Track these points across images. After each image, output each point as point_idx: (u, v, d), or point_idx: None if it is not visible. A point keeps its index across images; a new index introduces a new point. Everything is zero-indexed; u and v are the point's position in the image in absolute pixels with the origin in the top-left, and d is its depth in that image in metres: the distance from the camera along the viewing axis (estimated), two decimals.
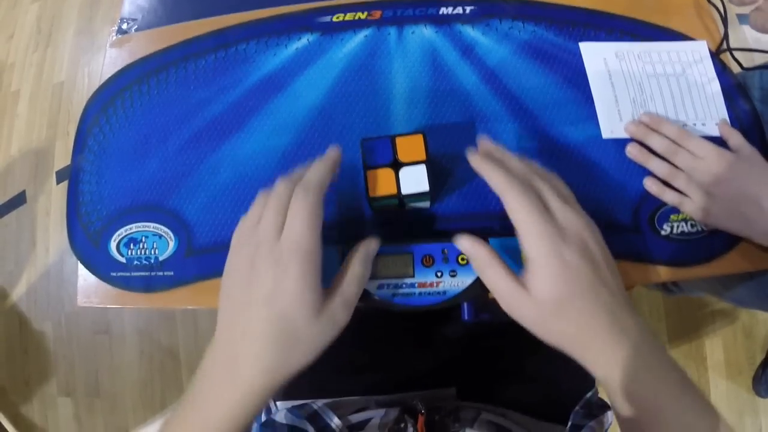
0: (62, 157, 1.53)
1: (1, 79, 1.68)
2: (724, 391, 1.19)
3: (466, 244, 0.38)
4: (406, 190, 0.41)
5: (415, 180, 0.41)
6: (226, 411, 0.32)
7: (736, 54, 0.55)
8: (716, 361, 1.22)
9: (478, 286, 0.42)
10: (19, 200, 1.48)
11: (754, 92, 0.54)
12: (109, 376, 1.33)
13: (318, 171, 0.37)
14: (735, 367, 1.20)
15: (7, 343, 1.37)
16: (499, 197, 0.36)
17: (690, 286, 0.85)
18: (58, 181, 1.49)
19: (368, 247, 0.38)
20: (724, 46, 0.55)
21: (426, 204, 0.48)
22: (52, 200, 1.47)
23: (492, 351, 0.58)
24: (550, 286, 0.33)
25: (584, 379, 0.55)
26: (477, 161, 0.39)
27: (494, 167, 0.37)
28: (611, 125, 0.51)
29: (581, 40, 0.54)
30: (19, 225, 1.46)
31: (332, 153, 0.40)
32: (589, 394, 0.49)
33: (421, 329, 0.59)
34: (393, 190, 0.42)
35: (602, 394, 0.48)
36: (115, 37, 0.61)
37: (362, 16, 0.56)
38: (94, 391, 1.33)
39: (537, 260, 0.33)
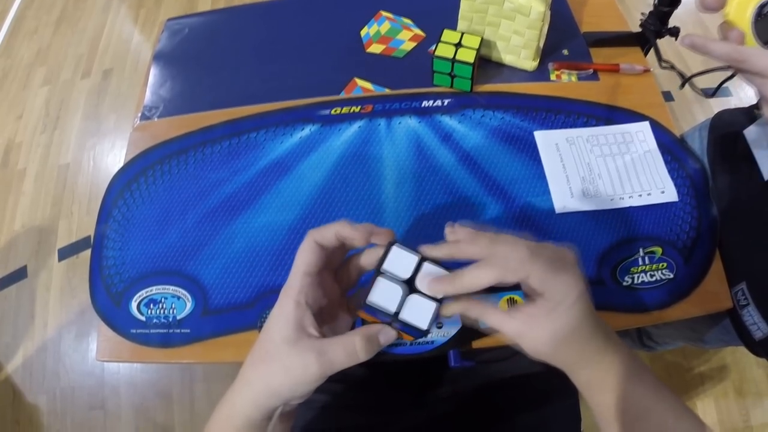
0: (65, 236, 1.54)
1: (9, 157, 1.73)
2: None
3: (457, 308, 0.38)
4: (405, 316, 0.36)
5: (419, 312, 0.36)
6: (225, 412, 0.37)
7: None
8: (710, 422, 1.18)
9: (461, 335, 0.47)
10: (20, 275, 1.49)
11: (694, 147, 0.59)
12: None
13: (335, 225, 0.37)
14: (730, 426, 1.19)
15: None
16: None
17: (664, 337, 0.89)
18: (60, 259, 1.50)
19: (383, 334, 0.36)
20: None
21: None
22: (53, 276, 1.47)
23: (484, 406, 0.60)
24: (567, 317, 0.35)
25: (573, 424, 0.58)
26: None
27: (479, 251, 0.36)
28: (563, 201, 0.58)
29: (542, 123, 0.63)
30: (18, 299, 1.46)
31: (374, 229, 0.37)
32: None
33: (415, 390, 0.62)
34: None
35: None
36: (139, 122, 0.69)
37: (356, 109, 0.66)
38: None
39: (552, 297, 0.34)
